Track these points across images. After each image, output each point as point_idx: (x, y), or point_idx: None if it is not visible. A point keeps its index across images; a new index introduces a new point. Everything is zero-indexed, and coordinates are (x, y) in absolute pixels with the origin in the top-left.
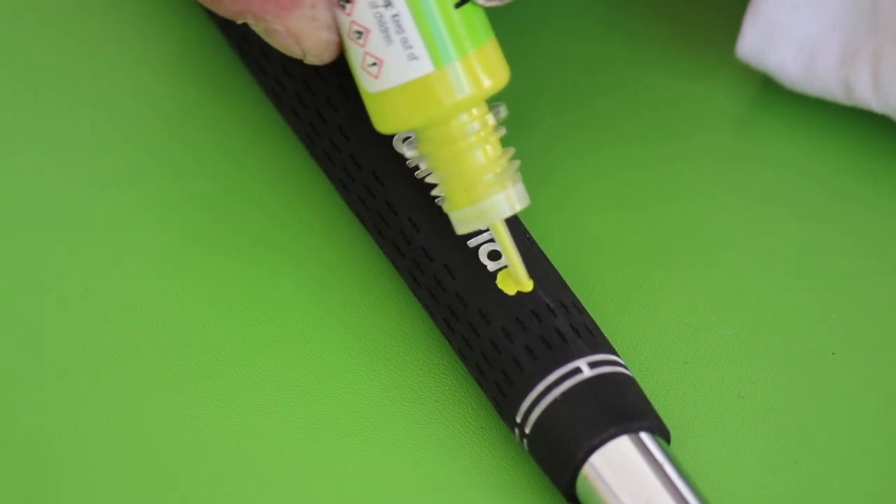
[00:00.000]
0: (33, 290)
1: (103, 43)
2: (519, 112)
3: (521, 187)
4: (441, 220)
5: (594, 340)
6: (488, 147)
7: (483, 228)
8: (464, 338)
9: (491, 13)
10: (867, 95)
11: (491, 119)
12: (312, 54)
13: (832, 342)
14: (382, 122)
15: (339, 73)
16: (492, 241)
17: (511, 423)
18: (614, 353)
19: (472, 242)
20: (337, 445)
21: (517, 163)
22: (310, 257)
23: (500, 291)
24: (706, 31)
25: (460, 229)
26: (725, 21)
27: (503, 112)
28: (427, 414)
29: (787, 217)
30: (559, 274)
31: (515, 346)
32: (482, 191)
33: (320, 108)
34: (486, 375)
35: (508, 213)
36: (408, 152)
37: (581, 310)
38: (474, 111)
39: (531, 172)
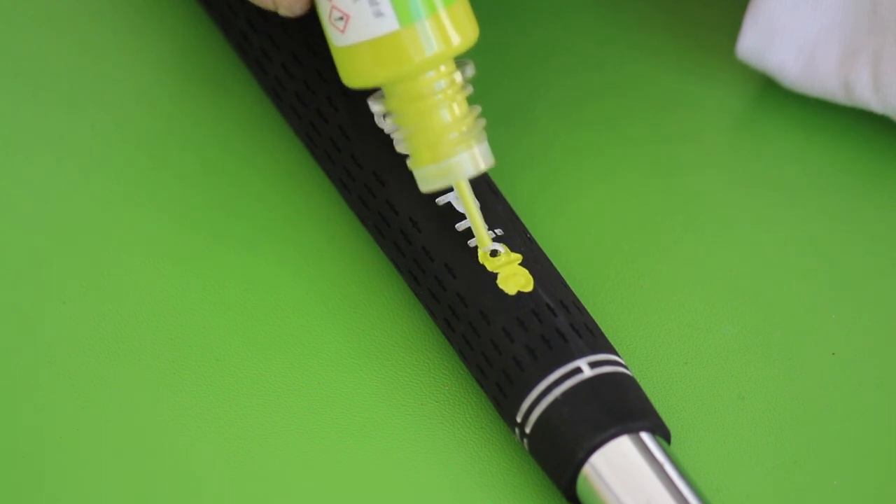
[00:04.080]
0: (34, 289)
1: (103, 43)
2: (519, 113)
3: (486, 147)
4: (442, 219)
5: (595, 340)
6: (455, 105)
7: (447, 187)
8: (464, 337)
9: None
10: (867, 95)
11: (458, 77)
12: (284, 6)
13: (832, 342)
14: (349, 76)
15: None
16: (493, 240)
17: (512, 422)
18: (615, 352)
19: (472, 242)
20: (337, 445)
21: (483, 121)
22: (310, 257)
23: (501, 291)
24: (706, 31)
25: (424, 187)
26: (725, 21)
27: (471, 70)
28: (427, 414)
29: (788, 217)
30: (560, 274)
31: (516, 346)
32: (447, 149)
33: (321, 108)
34: (487, 375)
35: (472, 173)
36: (374, 107)
37: (581, 309)
38: (442, 68)
39: (531, 174)
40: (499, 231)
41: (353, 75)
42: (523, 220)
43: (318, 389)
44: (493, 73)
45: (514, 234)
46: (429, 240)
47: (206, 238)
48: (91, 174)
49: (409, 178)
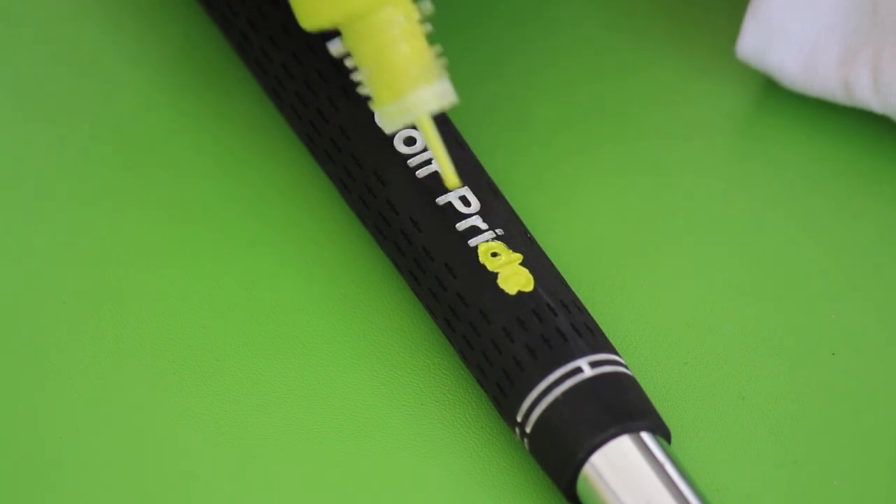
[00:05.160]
0: (33, 290)
1: (103, 43)
2: (520, 114)
3: (447, 83)
4: (443, 219)
5: (595, 340)
6: (413, 41)
7: (410, 124)
8: (465, 337)
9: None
10: (867, 95)
11: (415, 14)
12: None
13: (832, 342)
14: (306, 17)
15: (340, 73)
16: (494, 239)
17: (512, 422)
18: (615, 352)
19: (472, 242)
20: (337, 445)
21: (444, 60)
22: (310, 257)
23: (502, 291)
24: (706, 30)
25: (387, 127)
26: (725, 21)
27: (428, 7)
28: (427, 414)
29: (788, 217)
30: (560, 273)
31: (516, 346)
32: (406, 85)
33: (321, 108)
34: (487, 375)
35: (434, 109)
36: (333, 49)
37: (582, 309)
38: (399, 4)
39: (532, 172)
40: (499, 231)
41: (309, 15)
42: (524, 220)
43: (318, 389)
44: (494, 75)
45: (514, 233)
46: (429, 239)
47: (206, 238)
48: (90, 174)
49: (411, 177)
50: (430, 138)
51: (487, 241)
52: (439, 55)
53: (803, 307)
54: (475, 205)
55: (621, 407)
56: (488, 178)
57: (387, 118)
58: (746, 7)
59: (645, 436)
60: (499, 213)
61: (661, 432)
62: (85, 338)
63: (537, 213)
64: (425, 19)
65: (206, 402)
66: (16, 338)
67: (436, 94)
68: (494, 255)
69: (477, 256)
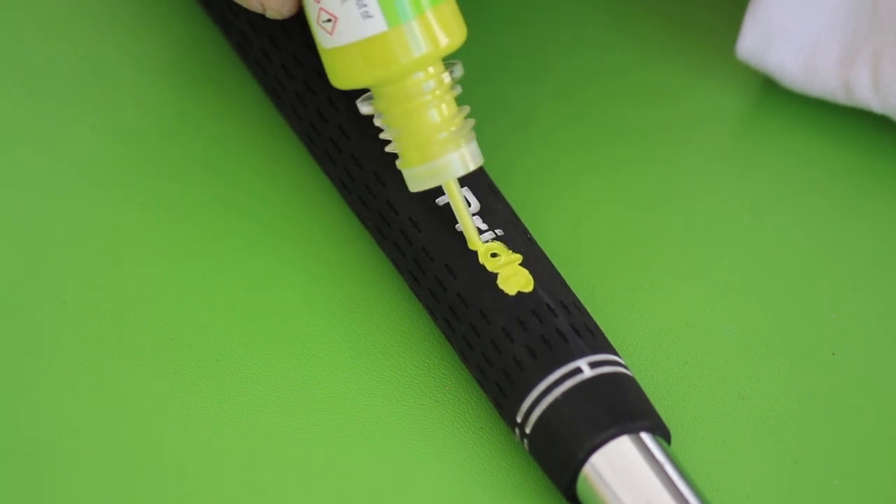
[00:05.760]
0: (33, 289)
1: (103, 43)
2: (520, 113)
3: (475, 146)
4: (442, 220)
5: (595, 340)
6: (443, 106)
7: (437, 186)
8: (464, 337)
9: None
10: (867, 95)
11: (447, 78)
12: (272, 8)
13: (832, 342)
14: (337, 77)
15: None
16: (494, 240)
17: (512, 422)
18: (615, 353)
19: None
20: (337, 445)
21: (472, 122)
22: (310, 257)
23: (502, 291)
24: (706, 31)
25: (413, 187)
26: (725, 21)
27: (459, 71)
28: (427, 414)
29: (787, 216)
30: (560, 274)
31: (516, 346)
32: (436, 149)
33: (321, 108)
34: (487, 375)
35: (462, 172)
36: (363, 109)
37: (582, 310)
38: (430, 69)
39: (532, 173)
40: (499, 231)
41: (341, 77)
42: (524, 220)
43: (318, 389)
44: (497, 81)
45: (514, 234)
46: (429, 240)
47: (206, 238)
48: (91, 174)
49: None
50: (455, 200)
51: (487, 241)
52: (468, 116)
53: (803, 307)
54: (475, 205)
55: (621, 407)
56: (488, 178)
57: (414, 179)
58: (746, 7)
59: (645, 436)
60: (499, 213)
61: (661, 432)
62: (85, 338)
63: (537, 213)
64: (456, 82)
65: (206, 402)
66: (16, 338)
67: (463, 158)
68: (494, 255)
69: (477, 257)
